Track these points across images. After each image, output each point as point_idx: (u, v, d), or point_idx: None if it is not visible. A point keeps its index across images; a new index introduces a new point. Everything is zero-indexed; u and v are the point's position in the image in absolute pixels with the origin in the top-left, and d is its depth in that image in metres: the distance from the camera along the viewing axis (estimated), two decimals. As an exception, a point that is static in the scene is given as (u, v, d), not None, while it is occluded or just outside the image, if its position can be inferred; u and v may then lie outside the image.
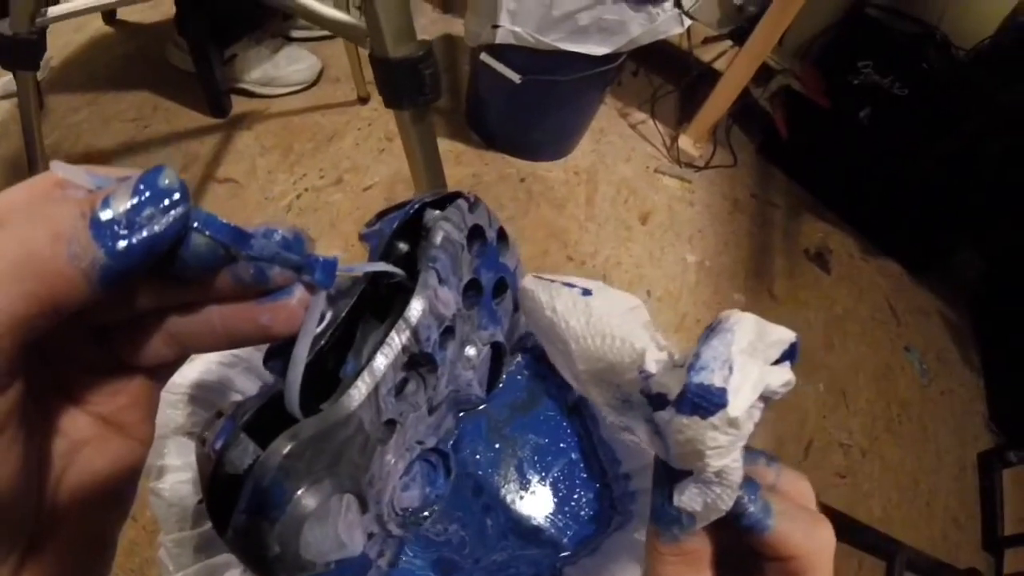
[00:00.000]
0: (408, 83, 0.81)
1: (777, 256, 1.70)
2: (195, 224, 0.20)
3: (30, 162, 1.18)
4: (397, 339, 0.32)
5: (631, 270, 1.48)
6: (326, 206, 1.39)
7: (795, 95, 1.77)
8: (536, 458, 0.73)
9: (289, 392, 0.27)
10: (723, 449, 0.24)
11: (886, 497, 1.45)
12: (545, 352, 0.33)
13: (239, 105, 1.55)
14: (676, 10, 1.33)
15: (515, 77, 1.40)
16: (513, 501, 0.69)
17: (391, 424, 0.33)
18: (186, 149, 1.44)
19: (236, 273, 0.22)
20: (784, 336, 0.26)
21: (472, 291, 0.37)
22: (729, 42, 1.66)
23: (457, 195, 0.35)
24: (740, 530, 0.27)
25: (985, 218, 1.76)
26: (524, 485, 0.70)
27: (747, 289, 1.57)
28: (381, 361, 0.31)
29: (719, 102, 1.65)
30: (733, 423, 0.23)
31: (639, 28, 1.32)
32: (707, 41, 1.66)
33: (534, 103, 1.49)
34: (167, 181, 0.19)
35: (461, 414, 0.40)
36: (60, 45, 1.60)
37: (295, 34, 1.70)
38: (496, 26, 1.32)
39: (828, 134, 1.79)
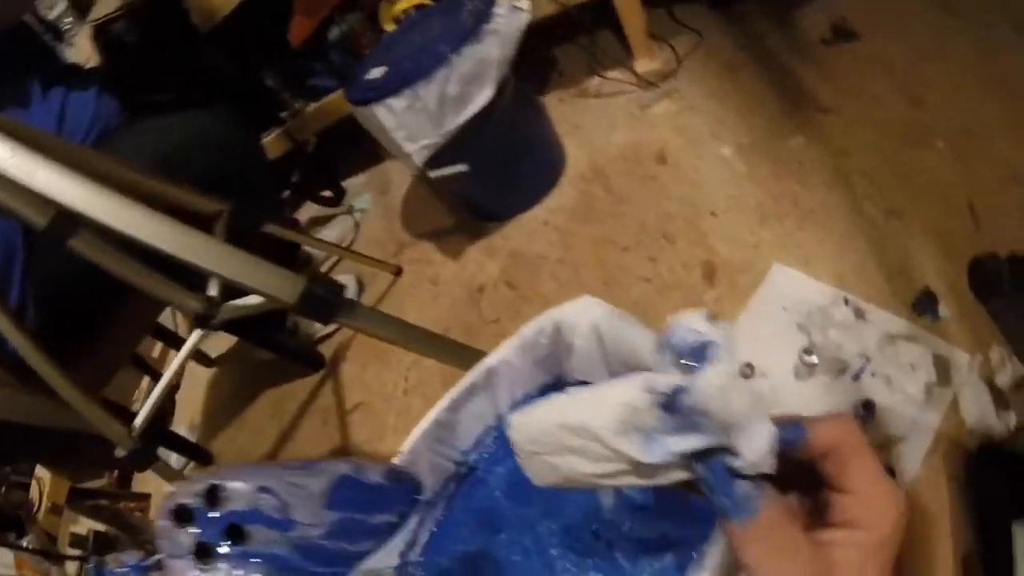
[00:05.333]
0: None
1: (799, 70, 1.55)
2: None
3: None
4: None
5: (679, 209, 1.44)
6: None
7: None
8: None
9: None
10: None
11: None
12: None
13: None
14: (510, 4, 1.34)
15: (463, 167, 1.47)
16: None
17: None
18: None
19: None
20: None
21: None
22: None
23: None
24: (787, 454, 0.31)
25: None
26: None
27: (798, 125, 1.44)
28: None
29: (628, 8, 1.59)
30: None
31: (496, 49, 1.34)
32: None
33: (497, 166, 1.55)
34: None
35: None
36: None
37: None
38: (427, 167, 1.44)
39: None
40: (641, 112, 1.66)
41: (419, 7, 1.62)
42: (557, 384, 0.75)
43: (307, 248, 1.86)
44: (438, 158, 1.45)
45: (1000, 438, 0.97)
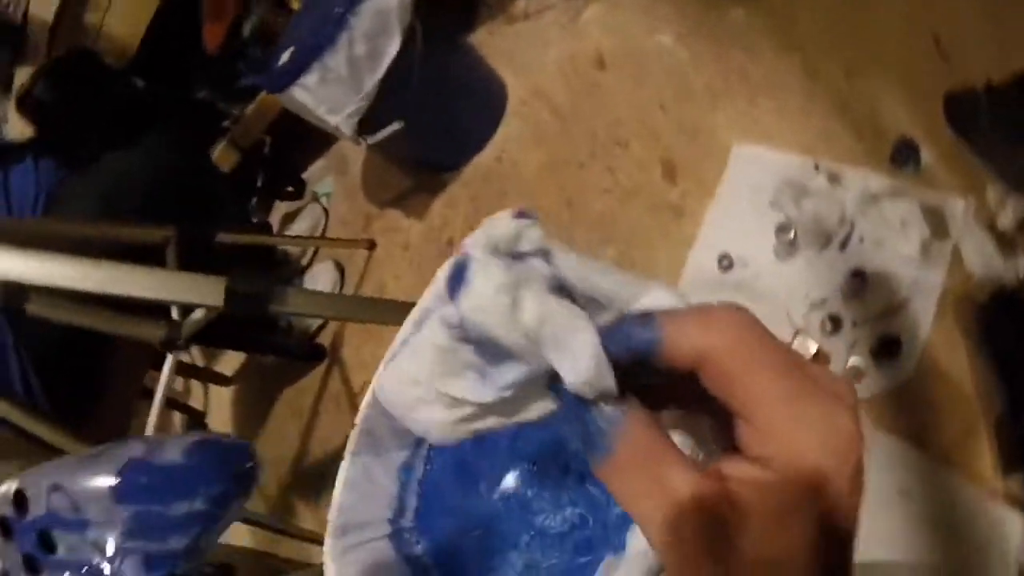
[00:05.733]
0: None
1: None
2: None
3: None
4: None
5: (627, 112, 1.37)
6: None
7: None
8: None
9: None
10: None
11: None
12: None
13: None
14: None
15: (397, 125, 1.42)
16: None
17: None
18: None
19: None
20: None
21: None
22: None
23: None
24: (642, 366, 0.24)
25: None
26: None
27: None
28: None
29: None
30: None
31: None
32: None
33: (433, 115, 1.50)
34: None
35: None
36: None
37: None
38: (359, 135, 1.41)
39: None
40: (571, 23, 1.57)
41: (319, -23, 1.55)
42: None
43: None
44: (370, 123, 1.40)
45: (1011, 286, 0.89)
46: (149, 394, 1.83)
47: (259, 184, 2.03)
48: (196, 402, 2.27)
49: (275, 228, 2.06)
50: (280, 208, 2.18)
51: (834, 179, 1.05)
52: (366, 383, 1.58)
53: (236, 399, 2.07)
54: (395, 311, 1.00)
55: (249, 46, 1.70)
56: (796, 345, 0.97)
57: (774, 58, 1.23)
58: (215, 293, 0.94)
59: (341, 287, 1.75)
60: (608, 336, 0.24)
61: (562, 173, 1.41)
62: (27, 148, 1.55)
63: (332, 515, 0.51)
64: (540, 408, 0.26)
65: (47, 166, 1.49)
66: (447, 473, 0.71)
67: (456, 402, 0.28)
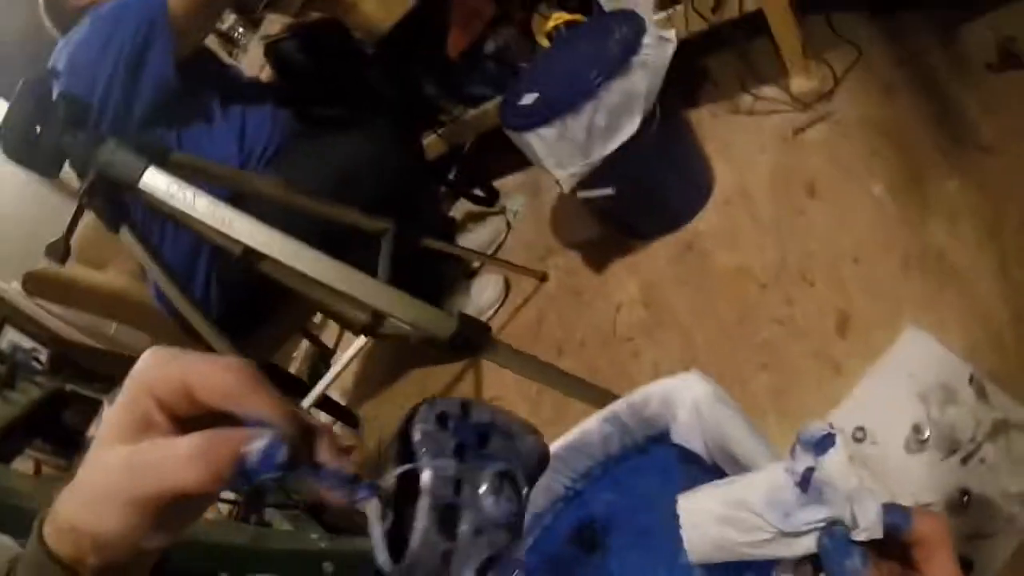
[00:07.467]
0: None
1: (960, 98, 1.42)
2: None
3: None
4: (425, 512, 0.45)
5: (822, 249, 1.42)
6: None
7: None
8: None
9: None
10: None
11: None
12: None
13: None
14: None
15: (610, 191, 1.53)
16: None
17: (447, 554, 0.45)
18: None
19: None
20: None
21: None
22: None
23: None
24: (893, 537, 0.40)
25: None
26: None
27: (954, 165, 1.34)
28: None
29: (782, 25, 1.53)
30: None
31: (644, 82, 1.38)
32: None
33: (642, 189, 1.59)
34: (280, 458, 0.37)
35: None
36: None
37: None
38: (575, 188, 1.52)
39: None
40: (793, 136, 1.62)
41: (570, 24, 1.66)
42: (661, 438, 0.87)
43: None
44: (585, 181, 1.51)
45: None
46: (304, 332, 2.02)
47: (450, 178, 2.17)
48: (328, 338, 2.47)
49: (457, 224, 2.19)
50: (464, 205, 2.32)
51: (982, 395, 1.11)
52: (497, 397, 1.72)
53: (366, 352, 2.23)
54: (585, 392, 1.13)
55: (487, 61, 1.81)
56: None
57: (974, 245, 1.25)
58: (445, 328, 1.09)
59: (503, 303, 1.89)
60: None
61: (743, 285, 1.49)
62: (268, 93, 1.68)
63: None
64: (806, 545, 0.41)
65: (283, 117, 1.60)
66: (567, 528, 0.91)
67: (755, 527, 0.42)
